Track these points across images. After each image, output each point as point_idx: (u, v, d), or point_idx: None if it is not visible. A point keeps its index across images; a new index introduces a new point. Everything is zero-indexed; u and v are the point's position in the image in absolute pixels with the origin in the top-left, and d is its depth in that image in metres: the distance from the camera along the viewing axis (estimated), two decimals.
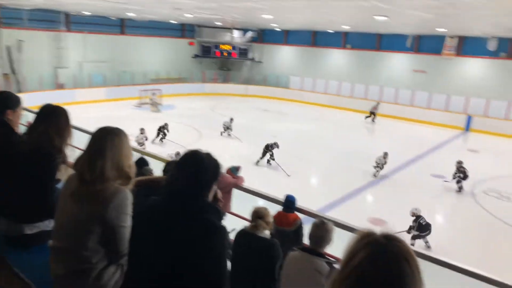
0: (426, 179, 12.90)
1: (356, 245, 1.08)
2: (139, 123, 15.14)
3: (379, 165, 12.56)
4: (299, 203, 3.78)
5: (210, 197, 1.75)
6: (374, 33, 24.28)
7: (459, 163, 12.02)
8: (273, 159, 13.00)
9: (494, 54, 20.56)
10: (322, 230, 2.68)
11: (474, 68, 21.39)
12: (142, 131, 13.53)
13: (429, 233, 8.40)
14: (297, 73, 28.25)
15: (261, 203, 6.76)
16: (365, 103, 24.63)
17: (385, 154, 12.67)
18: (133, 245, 1.78)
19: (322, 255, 2.57)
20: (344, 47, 26.05)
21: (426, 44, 22.70)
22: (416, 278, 1.02)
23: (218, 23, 26.66)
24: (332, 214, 9.48)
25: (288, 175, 12.16)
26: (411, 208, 8.62)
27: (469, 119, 21.18)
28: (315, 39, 27.48)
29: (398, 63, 24.00)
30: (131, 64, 25.29)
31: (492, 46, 20.34)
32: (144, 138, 13.40)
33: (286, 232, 3.76)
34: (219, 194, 2.55)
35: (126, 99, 23.14)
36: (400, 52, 23.69)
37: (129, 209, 1.89)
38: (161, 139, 14.85)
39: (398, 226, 9.00)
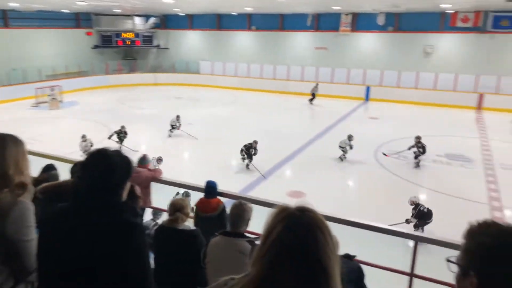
0: (336, 149, 13.86)
1: (273, 220, 1.15)
2: (38, 124, 13.82)
3: (344, 149, 12.24)
4: (223, 186, 3.84)
5: (124, 195, 1.68)
6: (277, 14, 24.97)
7: (418, 138, 12.02)
8: (250, 161, 11.47)
9: (383, 28, 22.53)
10: (240, 210, 2.76)
11: (368, 42, 23.25)
12: (83, 138, 11.89)
13: (431, 220, 7.88)
14: (207, 57, 28.01)
15: (182, 192, 6.69)
16: (274, 83, 25.49)
17: (350, 137, 12.31)
18: (42, 258, 1.62)
19: (243, 235, 2.65)
20: (249, 29, 26.39)
21: (325, 22, 24.01)
22: (329, 244, 1.10)
23: (117, 11, 25.13)
24: (254, 193, 9.73)
25: (264, 177, 10.88)
26: (409, 197, 8.15)
27: (367, 89, 23.08)
28: (220, 22, 27.39)
29: (301, 42, 25.07)
30: (21, 61, 22.72)
31: (381, 20, 22.26)
32: (89, 145, 11.83)
33: (211, 218, 3.80)
34: (138, 191, 2.49)
35: (21, 100, 20.89)
36: (302, 31, 24.75)
37: (31, 221, 1.74)
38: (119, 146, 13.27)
39: (316, 194, 9.63)
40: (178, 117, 15.15)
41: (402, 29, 22.14)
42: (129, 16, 27.45)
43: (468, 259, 1.25)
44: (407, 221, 7.87)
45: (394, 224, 7.73)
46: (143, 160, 5.62)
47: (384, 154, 12.80)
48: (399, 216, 8.55)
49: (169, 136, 14.84)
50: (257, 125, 16.84)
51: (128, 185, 1.70)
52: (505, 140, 14.96)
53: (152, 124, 17.03)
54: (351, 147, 12.32)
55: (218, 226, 3.52)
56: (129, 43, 28.18)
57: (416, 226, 7.91)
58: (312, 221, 1.12)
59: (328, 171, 11.71)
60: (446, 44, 21.43)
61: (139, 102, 22.15)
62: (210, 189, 3.77)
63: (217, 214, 3.75)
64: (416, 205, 7.95)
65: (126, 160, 1.67)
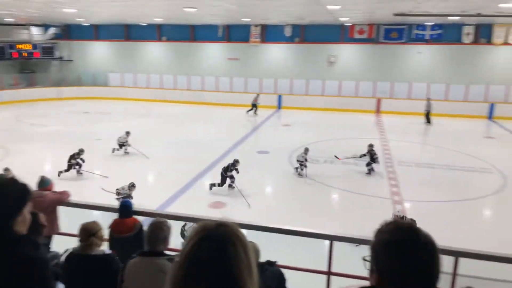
0: (253, 156, 14.21)
1: (189, 236, 1.17)
2: None
3: (302, 162, 11.80)
4: (143, 203, 3.71)
5: (23, 226, 1.53)
6: (187, 24, 24.90)
7: (370, 146, 12.30)
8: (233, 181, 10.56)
9: (290, 40, 23.77)
10: (157, 228, 2.71)
11: (277, 52, 24.32)
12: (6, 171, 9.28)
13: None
14: (116, 69, 26.78)
15: (96, 214, 6.32)
16: (189, 94, 25.33)
17: (306, 150, 11.97)
18: None
19: (162, 254, 2.60)
20: (160, 39, 25.90)
21: (236, 33, 24.56)
22: (241, 257, 1.12)
23: (10, 19, 22.87)
24: (175, 207, 9.49)
25: (249, 204, 9.82)
26: (393, 212, 8.53)
27: (279, 98, 24.07)
28: (129, 32, 26.45)
29: (214, 52, 25.30)
30: None
31: (288, 32, 23.48)
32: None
33: (127, 239, 3.65)
34: (42, 219, 2.31)
35: None
36: (214, 42, 25.01)
37: None
38: (78, 171, 11.65)
39: (238, 205, 9.75)
40: (127, 133, 13.86)
41: (308, 40, 23.58)
42: (24, 25, 25.13)
43: (373, 256, 1.39)
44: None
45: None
46: (43, 183, 5.09)
47: (336, 156, 13.19)
48: (311, 218, 9.04)
49: (125, 153, 13.79)
50: (174, 137, 16.54)
51: (27, 216, 1.55)
52: (400, 140, 16.68)
53: (59, 141, 15.74)
54: (306, 160, 11.88)
55: (136, 247, 3.39)
56: (26, 55, 25.74)
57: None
58: (224, 236, 1.14)
59: (247, 179, 11.90)
60: (346, 54, 23.32)
61: (41, 118, 20.32)
62: (125, 208, 3.63)
63: (134, 234, 3.62)
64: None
65: (19, 187, 1.53)
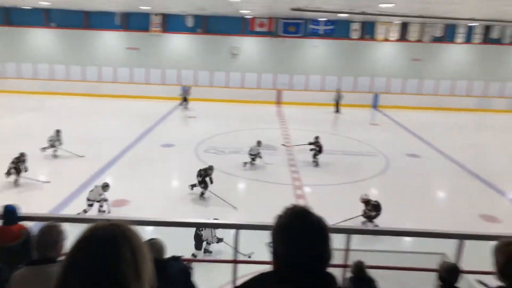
0: (158, 150, 13.82)
1: (78, 236, 1.13)
2: None
3: (253, 156, 12.01)
4: (36, 208, 3.37)
5: None
6: (80, 11, 22.93)
7: (316, 138, 12.70)
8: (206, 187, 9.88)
9: (192, 30, 23.43)
10: (47, 234, 2.50)
11: (180, 43, 23.79)
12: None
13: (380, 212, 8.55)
14: None
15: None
16: (84, 85, 23.53)
17: (259, 143, 12.19)
18: None
19: (54, 260, 2.41)
20: (48, 25, 23.43)
21: (135, 22, 23.37)
22: (125, 259, 1.09)
23: None
24: (70, 210, 8.84)
25: (235, 208, 9.39)
26: (360, 195, 8.76)
27: (183, 89, 23.65)
28: (10, 17, 23.42)
29: (112, 41, 23.77)
30: None
31: (190, 22, 23.09)
32: None
33: (12, 249, 3.28)
34: None
35: None
36: (111, 30, 23.48)
37: None
38: (15, 181, 10.02)
39: (143, 200, 9.40)
40: (58, 132, 12.50)
41: (210, 31, 23.49)
42: None
43: (272, 240, 1.45)
44: (367, 216, 8.53)
45: (351, 218, 8.40)
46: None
47: (284, 145, 13.46)
48: (219, 208, 9.19)
49: (54, 156, 12.42)
50: (71, 131, 15.23)
51: None
52: (299, 129, 17.68)
53: None
54: (259, 153, 12.13)
55: (24, 256, 3.08)
56: None
57: (371, 219, 8.53)
58: (109, 236, 1.11)
59: (151, 174, 11.56)
60: (248, 46, 23.80)
61: None
62: (8, 214, 3.26)
63: (21, 242, 3.27)
64: (368, 201, 8.59)
65: None
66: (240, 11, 20.01)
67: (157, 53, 23.74)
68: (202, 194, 9.86)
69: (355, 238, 3.60)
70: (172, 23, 23.40)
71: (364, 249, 5.41)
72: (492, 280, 2.11)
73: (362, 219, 8.74)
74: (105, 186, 8.83)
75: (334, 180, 11.61)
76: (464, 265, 3.42)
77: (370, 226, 8.40)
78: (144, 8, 20.38)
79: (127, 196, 9.69)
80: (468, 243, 3.35)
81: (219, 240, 7.07)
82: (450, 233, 3.47)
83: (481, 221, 9.24)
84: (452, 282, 3.39)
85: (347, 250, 3.58)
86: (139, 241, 1.16)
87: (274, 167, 12.47)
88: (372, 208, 8.54)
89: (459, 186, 11.94)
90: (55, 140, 12.54)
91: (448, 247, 3.81)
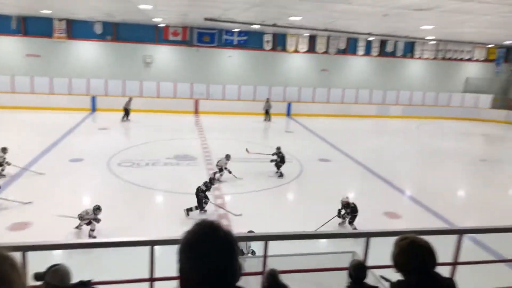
0: (65, 165, 12.79)
1: None
2: None
3: (221, 168, 11.98)
4: None
5: None
6: None
7: (278, 148, 12.75)
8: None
9: (101, 37, 22.23)
10: None
11: (88, 50, 22.40)
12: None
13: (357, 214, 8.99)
14: None
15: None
16: None
17: (227, 157, 12.03)
18: None
19: None
20: None
21: (35, 27, 21.48)
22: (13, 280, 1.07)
23: None
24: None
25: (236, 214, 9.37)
26: (342, 198, 9.08)
27: (93, 99, 22.29)
28: None
29: (8, 47, 21.54)
30: None
31: (98, 29, 21.88)
32: None
33: None
34: None
35: None
36: (7, 35, 21.28)
37: None
38: None
39: (45, 219, 8.59)
40: (4, 149, 11.18)
41: (121, 39, 22.51)
42: None
43: (179, 257, 1.41)
44: (343, 217, 9.05)
45: (327, 222, 8.78)
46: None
47: (247, 150, 13.55)
48: (134, 224, 8.78)
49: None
50: None
51: None
52: (217, 138, 17.74)
53: None
54: (226, 167, 11.99)
55: None
56: None
57: (351, 222, 8.97)
58: None
59: (58, 189, 10.65)
60: (163, 55, 23.29)
61: None
62: None
63: None
64: (347, 204, 8.93)
65: None
66: (153, 20, 19.53)
67: (62, 61, 22.09)
68: (202, 208, 9.71)
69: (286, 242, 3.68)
70: (78, 29, 21.97)
71: (282, 254, 5.58)
72: (395, 275, 2.33)
73: (339, 220, 9.21)
74: (97, 209, 8.24)
75: (254, 187, 11.83)
76: (374, 261, 3.69)
77: (349, 229, 8.93)
78: (45, 12, 18.83)
79: (28, 218, 8.78)
80: (376, 239, 3.63)
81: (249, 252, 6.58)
82: (358, 232, 3.74)
83: (385, 218, 10.12)
84: (361, 278, 3.64)
85: (264, 256, 3.66)
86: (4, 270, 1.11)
87: (193, 177, 12.30)
88: (351, 211, 8.96)
89: (364, 186, 12.96)
90: (1, 160, 11.24)
91: (359, 245, 4.11)
